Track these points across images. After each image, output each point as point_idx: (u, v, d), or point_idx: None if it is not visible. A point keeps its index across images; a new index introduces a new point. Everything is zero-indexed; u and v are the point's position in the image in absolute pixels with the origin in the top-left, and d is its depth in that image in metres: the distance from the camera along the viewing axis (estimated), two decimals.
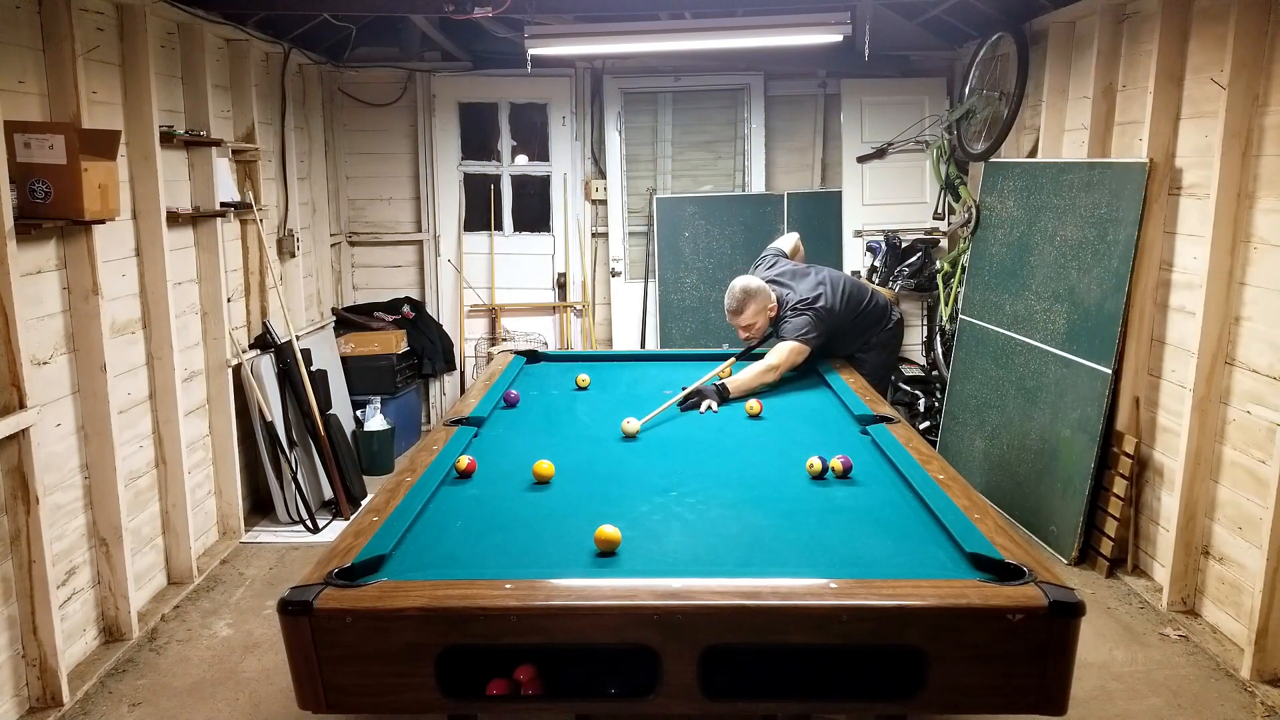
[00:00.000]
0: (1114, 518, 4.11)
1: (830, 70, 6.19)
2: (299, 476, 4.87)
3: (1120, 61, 4.31)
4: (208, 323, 4.52)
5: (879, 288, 5.40)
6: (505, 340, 6.49)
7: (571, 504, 2.68)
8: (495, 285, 6.52)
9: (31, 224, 3.13)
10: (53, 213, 3.19)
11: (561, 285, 6.51)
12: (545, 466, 2.87)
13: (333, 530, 4.80)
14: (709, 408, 3.67)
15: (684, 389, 3.77)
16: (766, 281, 4.20)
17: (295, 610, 2.01)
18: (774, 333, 4.21)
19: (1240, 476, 3.51)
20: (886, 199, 6.21)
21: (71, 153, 3.14)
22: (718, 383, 3.79)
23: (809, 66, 6.19)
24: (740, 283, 4.18)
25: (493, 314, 6.56)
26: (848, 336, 4.31)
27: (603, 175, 6.44)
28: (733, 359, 4.24)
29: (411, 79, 6.31)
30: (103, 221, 3.39)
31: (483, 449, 3.16)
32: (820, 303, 4.10)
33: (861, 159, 6.20)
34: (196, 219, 4.41)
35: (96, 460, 3.56)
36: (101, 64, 3.66)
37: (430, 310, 6.52)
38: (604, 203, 6.47)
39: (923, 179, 6.21)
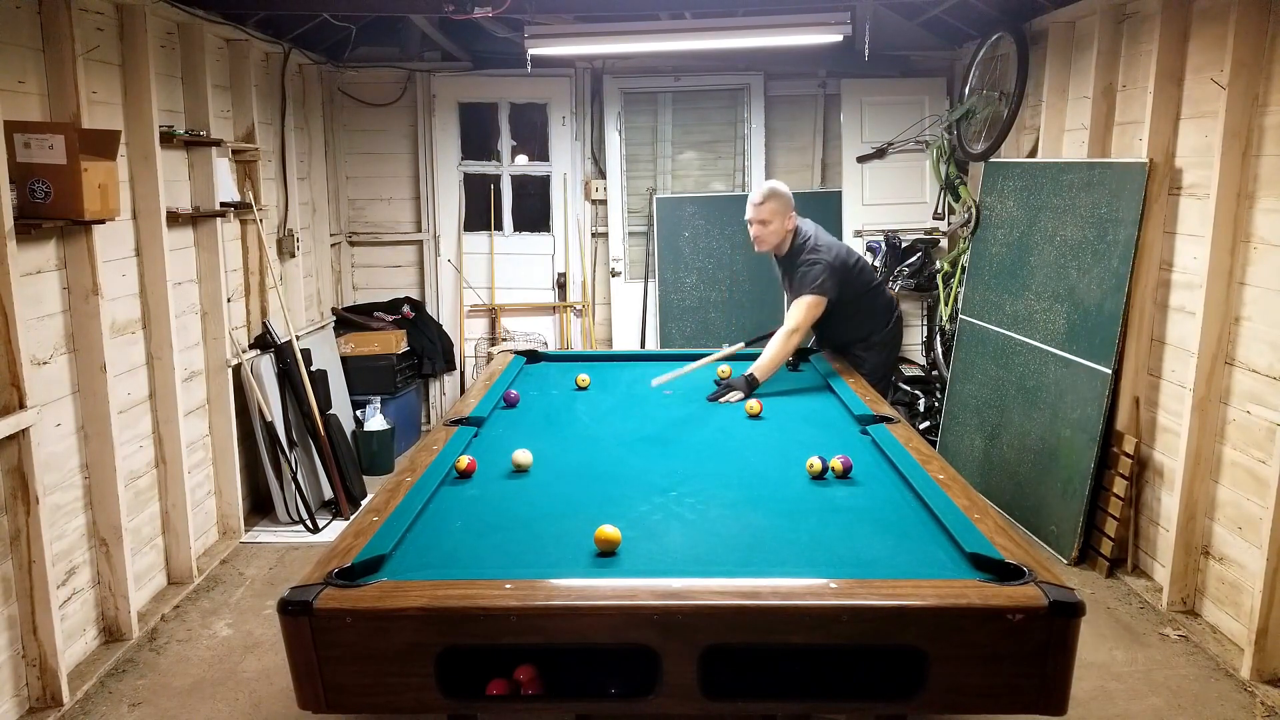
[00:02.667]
0: (1114, 518, 4.11)
1: (830, 70, 6.19)
2: (299, 476, 4.87)
3: (1120, 61, 4.31)
4: (208, 323, 4.52)
5: None
6: (505, 340, 6.49)
7: (571, 504, 2.68)
8: (495, 285, 6.52)
9: (31, 224, 3.13)
10: (53, 213, 3.19)
11: (561, 285, 6.51)
12: (523, 455, 2.92)
13: (333, 530, 4.80)
14: (735, 399, 3.77)
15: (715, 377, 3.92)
16: None
17: (295, 610, 2.01)
18: (788, 288, 4.28)
19: (1240, 476, 3.51)
20: (886, 199, 6.22)
21: (71, 153, 3.14)
22: (745, 373, 3.88)
23: (809, 66, 6.19)
24: (772, 181, 4.29)
25: (493, 314, 6.56)
26: (852, 318, 4.30)
27: (603, 175, 6.44)
28: (740, 345, 4.30)
29: (411, 79, 6.31)
30: (103, 221, 3.39)
31: (483, 449, 3.15)
32: (834, 253, 4.17)
33: (861, 159, 6.20)
34: (196, 219, 4.41)
35: (96, 460, 3.56)
36: (101, 64, 3.66)
37: (430, 310, 6.52)
38: (604, 203, 6.47)
39: (923, 179, 6.21)
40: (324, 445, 5.02)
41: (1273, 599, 3.24)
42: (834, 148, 6.32)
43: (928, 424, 5.70)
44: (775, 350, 3.98)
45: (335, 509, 5.04)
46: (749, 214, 4.22)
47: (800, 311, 4.06)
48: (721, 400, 3.80)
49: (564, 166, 6.42)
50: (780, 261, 4.32)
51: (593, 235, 6.52)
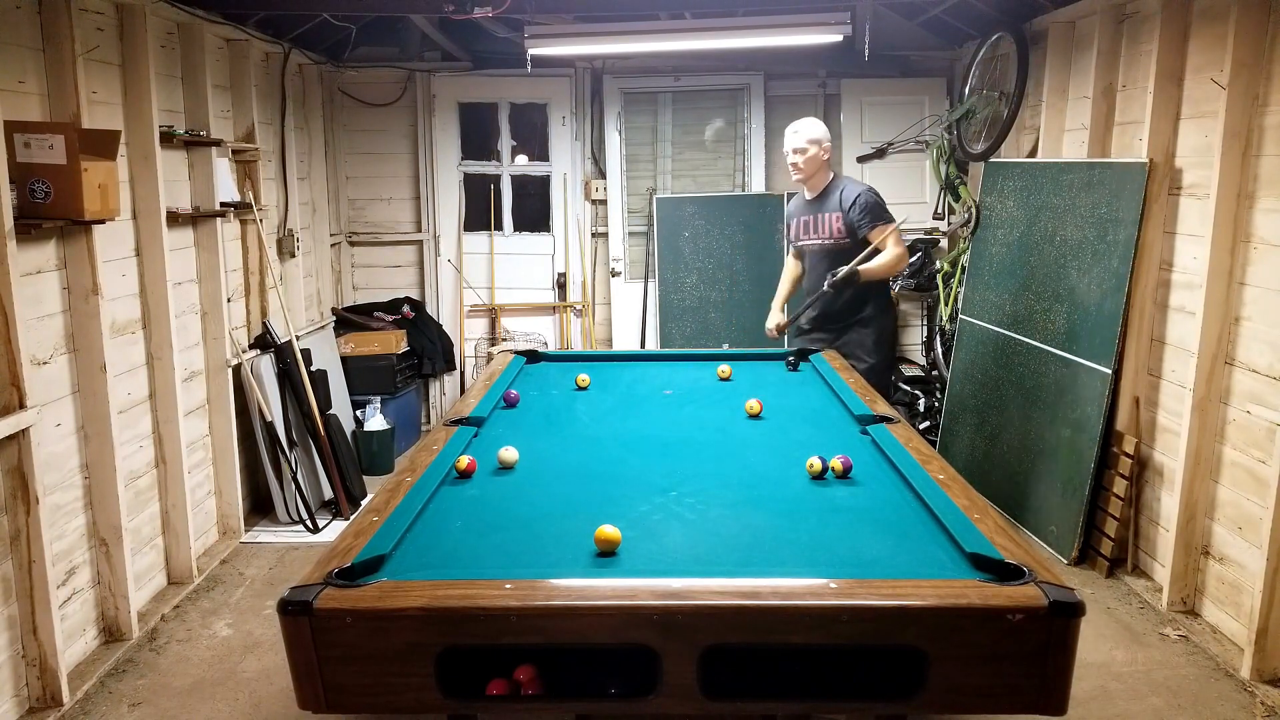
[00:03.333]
0: (1114, 518, 4.11)
1: (830, 70, 6.19)
2: (299, 476, 4.87)
3: (1120, 61, 4.31)
4: (208, 323, 4.52)
5: None
6: (505, 340, 6.49)
7: (571, 504, 2.68)
8: (495, 285, 6.52)
9: (31, 224, 3.13)
10: (53, 213, 3.19)
11: (561, 285, 6.51)
12: (508, 453, 2.94)
13: (333, 530, 4.80)
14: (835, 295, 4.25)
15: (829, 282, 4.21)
16: None
17: (295, 610, 2.01)
18: (808, 234, 4.46)
19: (1240, 476, 3.51)
20: (886, 199, 6.14)
21: (71, 153, 3.14)
22: (848, 270, 4.17)
23: (809, 66, 6.19)
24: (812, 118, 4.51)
25: (493, 314, 6.56)
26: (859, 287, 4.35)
27: (603, 175, 6.44)
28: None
29: (411, 79, 6.31)
30: (103, 221, 3.39)
31: (483, 449, 3.15)
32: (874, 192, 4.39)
33: (861, 159, 6.20)
34: (196, 219, 4.41)
35: (96, 460, 3.56)
36: (101, 64, 3.66)
37: (430, 310, 6.52)
38: (604, 203, 6.47)
39: (923, 179, 6.21)
40: (324, 445, 5.02)
41: (1273, 599, 3.25)
42: (834, 148, 6.31)
43: (928, 424, 5.70)
44: (886, 262, 4.23)
45: (335, 509, 5.04)
46: (788, 144, 4.38)
47: (892, 238, 4.25)
48: (826, 285, 4.20)
49: (564, 166, 6.41)
50: (810, 204, 4.41)
51: (593, 235, 6.52)
